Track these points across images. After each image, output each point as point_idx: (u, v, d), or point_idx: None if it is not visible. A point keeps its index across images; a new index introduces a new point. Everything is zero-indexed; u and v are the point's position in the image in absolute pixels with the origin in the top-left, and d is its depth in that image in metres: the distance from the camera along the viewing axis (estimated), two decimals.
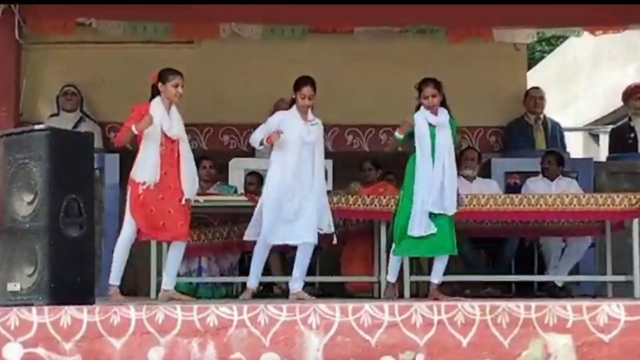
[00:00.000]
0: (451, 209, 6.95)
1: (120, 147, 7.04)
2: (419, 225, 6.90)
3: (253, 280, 7.25)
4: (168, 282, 6.94)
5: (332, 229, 7.17)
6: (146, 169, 6.78)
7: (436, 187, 6.92)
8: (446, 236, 6.91)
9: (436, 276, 7.06)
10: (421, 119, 7.07)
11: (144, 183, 6.76)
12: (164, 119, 6.87)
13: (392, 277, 7.17)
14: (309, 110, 7.22)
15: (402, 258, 7.21)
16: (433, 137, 7.01)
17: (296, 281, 7.11)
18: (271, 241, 7.10)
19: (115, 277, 6.90)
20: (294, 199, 7.03)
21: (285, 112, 7.34)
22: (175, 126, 6.93)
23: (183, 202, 6.82)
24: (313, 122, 7.19)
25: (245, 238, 7.22)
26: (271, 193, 7.10)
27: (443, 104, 7.14)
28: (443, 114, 7.09)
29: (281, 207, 7.03)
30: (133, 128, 6.74)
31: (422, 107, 7.11)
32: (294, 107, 7.23)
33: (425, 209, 6.91)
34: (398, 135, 7.10)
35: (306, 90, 7.16)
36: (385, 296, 7.16)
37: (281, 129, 7.08)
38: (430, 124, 7.04)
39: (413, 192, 6.97)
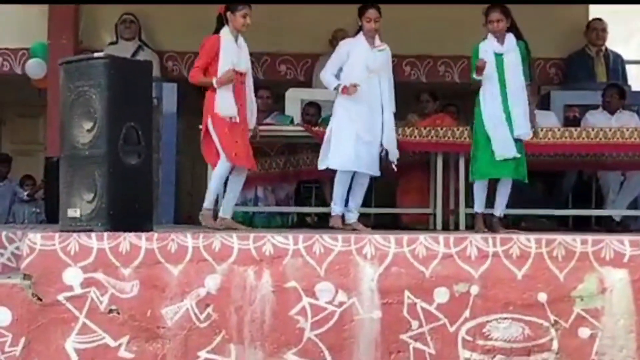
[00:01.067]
0: (525, 135, 6.81)
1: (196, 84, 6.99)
2: (503, 148, 6.73)
3: (340, 206, 7.06)
4: (226, 211, 6.99)
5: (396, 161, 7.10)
6: (227, 104, 6.76)
7: (510, 113, 6.77)
8: (522, 162, 6.80)
9: (499, 208, 6.97)
10: (485, 49, 6.90)
11: (230, 118, 6.76)
12: (233, 54, 6.83)
13: (479, 207, 6.99)
14: (377, 36, 7.05)
15: (483, 185, 6.98)
16: (501, 65, 6.83)
17: (351, 211, 7.10)
18: (356, 168, 6.94)
19: (209, 203, 6.90)
20: (365, 126, 6.90)
21: (351, 39, 7.17)
22: (243, 60, 6.90)
23: (248, 136, 6.86)
24: (380, 48, 7.04)
25: (320, 167, 7.11)
26: (341, 121, 6.96)
27: (512, 30, 6.93)
28: (509, 39, 6.89)
29: (354, 134, 6.90)
30: (214, 82, 6.72)
31: (488, 35, 6.92)
32: (360, 33, 7.06)
33: (502, 133, 6.75)
34: (476, 77, 6.85)
35: (372, 12, 6.99)
36: (476, 229, 6.95)
37: (350, 59, 6.96)
38: (495, 53, 6.87)
39: (484, 124, 6.83)
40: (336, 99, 7.05)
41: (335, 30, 9.55)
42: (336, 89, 6.94)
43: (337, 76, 7.04)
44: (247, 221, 7.94)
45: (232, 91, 6.77)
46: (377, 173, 7.03)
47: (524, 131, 6.79)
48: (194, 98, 9.24)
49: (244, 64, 6.90)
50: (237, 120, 6.77)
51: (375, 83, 6.99)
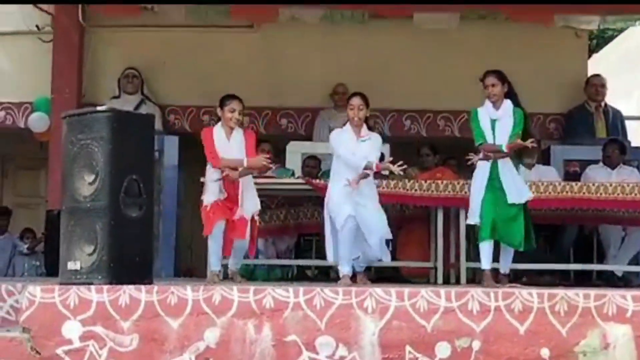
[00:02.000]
0: (518, 200, 6.75)
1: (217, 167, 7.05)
2: (472, 215, 6.79)
3: (348, 266, 6.89)
4: (231, 264, 7.03)
5: (390, 236, 6.99)
6: (210, 194, 6.90)
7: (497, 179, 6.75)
8: (516, 229, 6.74)
9: (505, 266, 6.91)
10: (483, 114, 6.91)
11: (210, 204, 6.87)
12: (222, 144, 6.95)
13: (486, 265, 6.84)
14: (364, 125, 6.95)
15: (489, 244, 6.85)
16: (493, 130, 6.82)
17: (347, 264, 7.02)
18: (349, 270, 6.85)
19: (212, 265, 6.99)
20: (355, 213, 6.77)
21: (339, 129, 7.12)
22: (233, 151, 6.94)
23: (246, 219, 6.89)
24: (364, 138, 6.93)
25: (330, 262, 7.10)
26: (333, 209, 6.84)
27: (510, 96, 6.92)
28: (505, 105, 6.87)
29: (348, 197, 6.82)
30: (231, 175, 6.86)
31: (485, 100, 6.93)
32: (348, 122, 7.00)
33: (476, 199, 6.75)
34: (505, 149, 6.77)
35: (354, 100, 6.94)
36: (485, 285, 6.71)
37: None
38: (491, 118, 6.86)
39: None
40: (329, 183, 7.02)
41: (336, 85, 9.63)
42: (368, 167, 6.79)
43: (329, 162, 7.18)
44: (247, 274, 7.93)
45: (219, 182, 6.87)
46: (384, 258, 6.99)
47: (516, 199, 6.73)
48: (195, 151, 9.29)
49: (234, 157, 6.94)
50: (219, 202, 6.86)
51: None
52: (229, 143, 6.98)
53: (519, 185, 6.81)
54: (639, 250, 8.54)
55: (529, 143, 6.71)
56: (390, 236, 6.97)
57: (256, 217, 7.03)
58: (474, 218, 6.79)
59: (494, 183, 6.75)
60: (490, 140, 6.81)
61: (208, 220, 6.87)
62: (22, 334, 5.23)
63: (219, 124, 7.08)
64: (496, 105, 6.87)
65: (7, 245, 10.31)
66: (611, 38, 17.19)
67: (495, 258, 6.93)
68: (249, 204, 6.94)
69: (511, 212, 6.72)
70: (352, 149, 6.87)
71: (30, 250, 10.21)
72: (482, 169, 6.81)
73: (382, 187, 7.35)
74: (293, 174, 8.54)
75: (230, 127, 7.02)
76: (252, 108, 9.88)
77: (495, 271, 6.93)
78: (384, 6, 9.46)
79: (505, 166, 6.78)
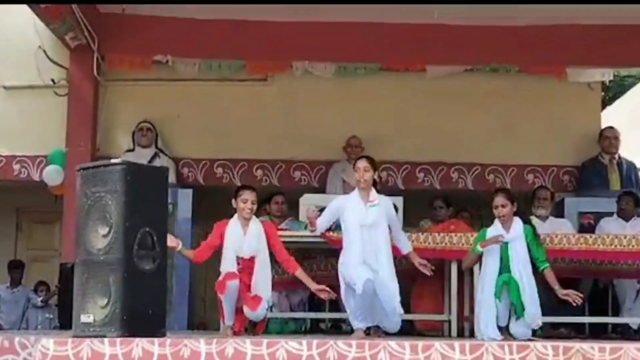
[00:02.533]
0: (534, 324, 6.71)
1: (198, 261, 7.23)
2: (485, 329, 6.69)
3: (362, 322, 6.87)
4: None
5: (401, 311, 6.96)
6: (227, 264, 6.95)
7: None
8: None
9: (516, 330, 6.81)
10: (490, 233, 6.90)
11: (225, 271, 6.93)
12: (236, 239, 6.97)
13: (503, 321, 6.80)
14: (372, 189, 6.98)
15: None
16: (506, 253, 6.79)
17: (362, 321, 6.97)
18: (365, 327, 6.86)
19: (226, 320, 6.95)
20: (382, 291, 6.78)
21: (346, 196, 7.20)
22: (248, 245, 6.97)
23: (261, 297, 6.90)
24: (373, 204, 6.94)
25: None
26: (351, 276, 6.82)
27: (518, 214, 6.93)
28: (515, 225, 6.87)
29: (361, 263, 6.84)
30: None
31: (495, 221, 6.92)
32: (356, 188, 7.04)
33: (492, 315, 6.69)
34: (479, 249, 6.85)
35: (359, 163, 6.99)
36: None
37: (345, 216, 6.98)
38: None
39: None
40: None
41: (349, 137, 9.67)
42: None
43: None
44: None
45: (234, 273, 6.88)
46: (394, 327, 6.93)
47: (535, 321, 6.69)
48: (208, 204, 9.36)
49: (247, 250, 6.96)
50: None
51: (371, 238, 6.88)
52: (244, 236, 6.98)
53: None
54: None
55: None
56: (401, 310, 6.92)
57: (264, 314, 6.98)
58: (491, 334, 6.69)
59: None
60: (495, 262, 6.77)
61: (222, 283, 6.88)
62: None
63: (235, 217, 7.08)
64: (506, 225, 6.86)
65: (21, 298, 10.32)
66: (624, 90, 17.24)
67: None
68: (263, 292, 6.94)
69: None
70: (362, 214, 6.89)
71: (44, 303, 10.21)
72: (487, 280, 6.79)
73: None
74: (306, 227, 8.53)
75: (245, 218, 7.03)
76: (265, 161, 9.94)
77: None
78: (395, 59, 9.54)
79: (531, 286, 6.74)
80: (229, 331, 6.85)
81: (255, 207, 7.07)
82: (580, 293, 8.42)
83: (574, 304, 6.81)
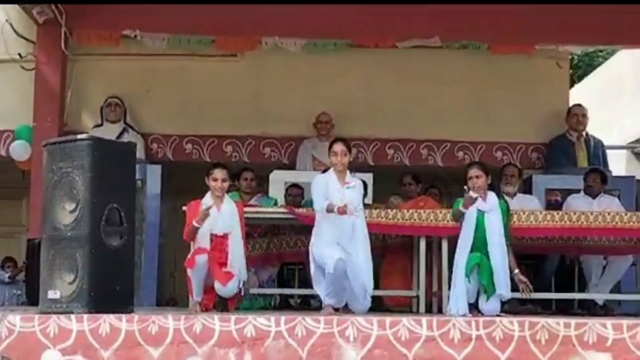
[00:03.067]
0: (505, 295, 6.73)
1: (189, 242, 7.13)
2: (455, 305, 6.70)
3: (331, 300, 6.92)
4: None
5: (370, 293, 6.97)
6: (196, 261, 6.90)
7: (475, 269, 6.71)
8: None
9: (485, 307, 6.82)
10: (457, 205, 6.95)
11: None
12: (212, 219, 6.94)
13: (470, 298, 6.81)
14: (347, 172, 7.04)
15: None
16: (482, 224, 6.80)
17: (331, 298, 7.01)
18: (335, 305, 6.88)
19: (194, 295, 6.96)
20: (340, 259, 6.77)
21: (324, 175, 7.17)
22: (222, 222, 6.98)
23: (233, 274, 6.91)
24: (349, 185, 7.00)
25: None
26: (321, 256, 6.87)
27: (491, 189, 6.99)
28: (491, 198, 6.90)
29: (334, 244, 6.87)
30: (194, 223, 6.87)
31: (470, 192, 6.88)
32: (332, 168, 7.08)
33: (463, 291, 6.70)
34: (463, 209, 6.85)
35: (336, 147, 7.01)
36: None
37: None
38: (478, 209, 6.84)
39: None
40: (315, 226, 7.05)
41: (319, 113, 9.66)
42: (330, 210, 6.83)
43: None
44: None
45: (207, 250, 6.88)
46: (364, 309, 6.93)
47: (505, 291, 6.71)
48: (178, 180, 9.33)
49: (220, 227, 6.97)
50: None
51: (347, 220, 6.87)
52: (218, 213, 6.98)
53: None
54: (620, 279, 8.57)
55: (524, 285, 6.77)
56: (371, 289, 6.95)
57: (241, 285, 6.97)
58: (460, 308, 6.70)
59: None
60: (470, 232, 6.78)
61: (191, 259, 6.87)
62: None
63: (208, 194, 7.09)
64: (483, 197, 6.86)
65: None
66: (592, 69, 17.35)
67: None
68: (239, 271, 6.95)
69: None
70: (338, 196, 6.91)
71: (11, 279, 10.15)
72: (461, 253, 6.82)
73: (365, 217, 7.36)
74: (276, 203, 8.54)
75: (217, 196, 7.04)
76: (235, 137, 9.92)
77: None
78: (366, 36, 9.52)
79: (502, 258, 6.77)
80: (197, 307, 6.85)
81: (226, 185, 7.10)
82: (547, 269, 8.58)
83: (521, 293, 6.80)
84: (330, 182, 7.00)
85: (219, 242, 6.98)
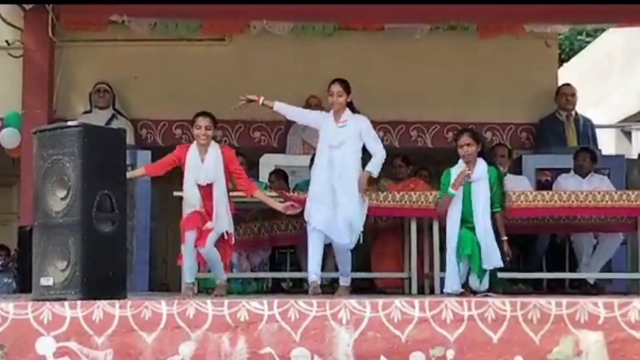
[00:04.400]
0: (496, 263, 6.67)
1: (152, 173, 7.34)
2: (451, 282, 6.71)
3: (315, 273, 7.10)
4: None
5: (360, 232, 7.10)
6: (187, 206, 7.01)
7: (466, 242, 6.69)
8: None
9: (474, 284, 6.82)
10: (455, 174, 6.86)
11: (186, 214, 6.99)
12: (195, 166, 6.98)
13: (461, 278, 6.82)
14: (346, 111, 7.15)
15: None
16: (469, 194, 6.76)
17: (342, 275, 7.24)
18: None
19: (187, 277, 7.00)
20: (329, 197, 7.03)
21: (324, 113, 7.36)
22: (205, 172, 6.98)
23: (210, 229, 6.90)
24: (342, 124, 7.12)
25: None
26: (311, 192, 7.15)
27: (483, 155, 6.90)
28: (479, 166, 6.82)
29: (322, 203, 7.05)
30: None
31: (459, 160, 6.88)
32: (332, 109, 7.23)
33: (451, 266, 6.71)
34: (452, 191, 6.77)
35: (332, 87, 7.14)
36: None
37: (320, 133, 7.24)
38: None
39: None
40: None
41: (309, 96, 9.64)
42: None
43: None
44: None
45: (197, 199, 6.93)
46: (346, 243, 7.07)
47: (493, 263, 6.66)
48: None
49: (204, 177, 6.98)
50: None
51: (337, 157, 7.05)
52: (202, 163, 6.98)
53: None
54: (611, 258, 8.61)
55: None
56: (360, 229, 7.07)
57: (227, 236, 6.99)
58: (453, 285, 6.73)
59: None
60: (459, 201, 6.75)
61: (182, 230, 6.90)
62: None
63: (194, 143, 7.09)
64: (469, 166, 6.81)
65: None
66: (581, 48, 17.35)
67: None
68: (222, 221, 6.94)
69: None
70: (331, 134, 7.08)
71: (4, 267, 10.13)
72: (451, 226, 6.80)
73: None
74: (266, 187, 8.55)
75: (202, 144, 7.02)
76: (224, 121, 9.88)
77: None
78: (354, 18, 9.51)
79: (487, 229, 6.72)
80: (190, 292, 6.85)
81: (210, 132, 7.04)
82: (538, 249, 8.61)
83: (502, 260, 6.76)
84: (327, 121, 7.17)
85: (206, 191, 6.97)
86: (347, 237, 7.02)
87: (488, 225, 6.70)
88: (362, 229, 7.09)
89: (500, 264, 6.69)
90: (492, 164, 6.92)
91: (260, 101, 7.39)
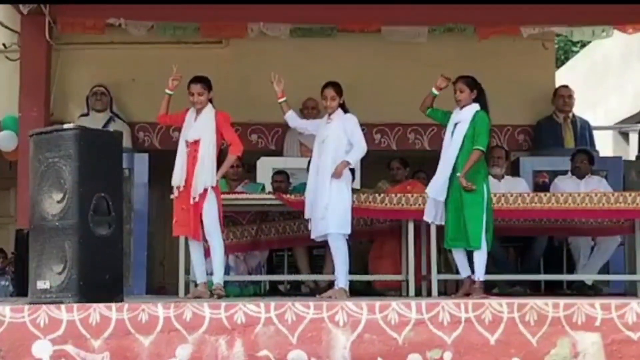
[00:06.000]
0: (439, 196, 6.99)
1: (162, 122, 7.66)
2: (427, 212, 7.07)
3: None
4: (199, 278, 7.04)
5: (341, 230, 7.12)
6: (175, 173, 7.08)
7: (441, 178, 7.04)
8: (460, 230, 6.89)
9: (478, 272, 6.91)
10: (451, 116, 7.18)
11: (174, 187, 7.03)
12: (188, 125, 7.19)
13: (465, 272, 7.06)
14: (337, 111, 7.30)
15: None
16: (453, 134, 7.10)
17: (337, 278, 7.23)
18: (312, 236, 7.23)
19: (198, 276, 7.10)
20: (316, 195, 7.15)
21: (322, 119, 7.53)
22: (195, 128, 7.13)
23: (191, 201, 6.93)
24: (329, 121, 7.31)
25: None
26: (307, 188, 7.33)
27: (479, 100, 7.16)
28: (468, 110, 7.08)
29: (312, 203, 7.20)
30: (167, 91, 7.32)
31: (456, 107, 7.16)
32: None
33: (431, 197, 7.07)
34: (434, 91, 7.26)
35: (326, 91, 7.34)
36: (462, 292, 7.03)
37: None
38: (454, 122, 7.11)
39: None
40: None
41: (306, 99, 9.64)
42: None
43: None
44: None
45: (184, 160, 7.04)
46: (317, 236, 7.15)
47: (433, 194, 7.03)
48: (165, 168, 9.27)
49: (191, 135, 7.13)
50: (182, 188, 6.98)
51: (323, 150, 7.26)
52: (194, 122, 7.17)
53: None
54: (609, 260, 8.61)
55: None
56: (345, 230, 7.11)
57: (214, 191, 7.03)
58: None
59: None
60: (448, 140, 7.09)
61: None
62: None
63: (192, 108, 7.29)
64: (461, 109, 7.08)
65: None
66: (578, 50, 17.36)
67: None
68: (204, 177, 6.97)
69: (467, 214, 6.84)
70: (321, 132, 7.33)
71: (0, 270, 10.12)
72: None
73: (353, 201, 7.36)
74: (263, 189, 8.54)
75: (198, 110, 7.21)
76: None
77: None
78: (351, 20, 9.50)
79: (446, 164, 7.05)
80: (203, 287, 6.87)
81: (203, 98, 7.23)
82: (536, 251, 8.61)
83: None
84: (322, 122, 7.43)
85: (192, 148, 7.08)
86: (321, 226, 7.07)
87: (447, 160, 7.02)
88: (348, 219, 7.13)
89: (440, 196, 6.98)
90: (484, 109, 7.14)
91: (280, 99, 7.60)
